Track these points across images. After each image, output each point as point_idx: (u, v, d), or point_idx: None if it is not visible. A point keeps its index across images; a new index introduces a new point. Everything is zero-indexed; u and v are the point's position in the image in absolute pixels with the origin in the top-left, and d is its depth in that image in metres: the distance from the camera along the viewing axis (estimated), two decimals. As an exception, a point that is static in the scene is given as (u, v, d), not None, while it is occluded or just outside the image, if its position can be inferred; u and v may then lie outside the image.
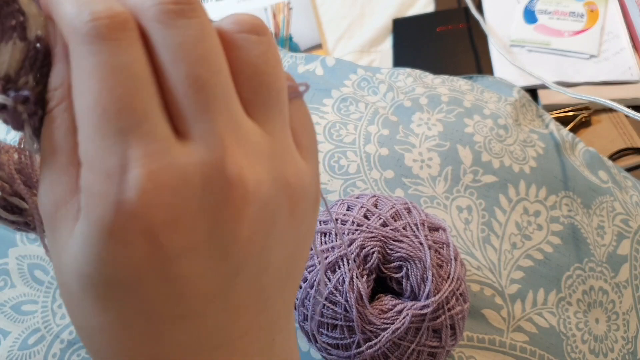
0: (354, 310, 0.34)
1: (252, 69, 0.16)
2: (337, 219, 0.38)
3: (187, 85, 0.14)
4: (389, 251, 0.36)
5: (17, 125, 0.16)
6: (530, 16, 0.65)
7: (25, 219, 0.20)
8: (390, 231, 0.36)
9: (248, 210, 0.15)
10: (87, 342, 0.17)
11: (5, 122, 0.16)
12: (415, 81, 0.56)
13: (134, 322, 0.15)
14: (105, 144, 0.13)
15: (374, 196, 0.39)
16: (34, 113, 0.16)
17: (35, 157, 0.20)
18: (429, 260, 0.35)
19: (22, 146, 0.20)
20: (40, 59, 0.16)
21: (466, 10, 0.67)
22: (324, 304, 0.35)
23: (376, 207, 0.38)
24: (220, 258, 0.15)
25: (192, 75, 0.14)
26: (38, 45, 0.16)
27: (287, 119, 0.17)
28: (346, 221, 0.37)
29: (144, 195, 0.13)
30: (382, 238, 0.36)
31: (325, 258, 0.36)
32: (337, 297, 0.34)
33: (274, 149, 0.16)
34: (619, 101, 0.48)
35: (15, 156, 0.20)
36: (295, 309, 0.37)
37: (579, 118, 0.57)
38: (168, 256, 0.14)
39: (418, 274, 0.35)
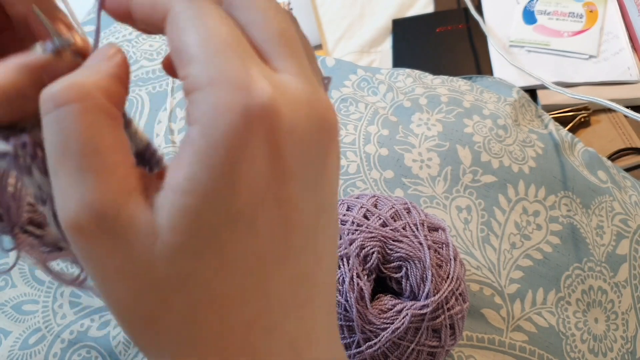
0: (354, 310, 0.34)
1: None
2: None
3: (279, 36, 0.17)
4: (388, 251, 0.36)
5: (24, 171, 0.16)
6: (529, 17, 0.65)
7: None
8: (390, 231, 0.36)
9: (336, 140, 0.16)
10: (174, 312, 0.15)
11: (15, 169, 0.16)
12: (415, 81, 0.56)
13: (240, 266, 0.15)
14: (231, 64, 0.15)
15: (374, 196, 0.39)
16: (34, 155, 0.16)
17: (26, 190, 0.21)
18: (428, 260, 0.35)
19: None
20: None
21: (466, 10, 0.67)
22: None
23: (376, 207, 0.38)
24: (316, 187, 0.16)
25: (281, 30, 0.17)
26: None
27: None
28: (346, 221, 0.37)
29: (272, 100, 0.15)
30: (382, 238, 0.36)
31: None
32: (337, 297, 0.35)
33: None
34: (618, 101, 0.49)
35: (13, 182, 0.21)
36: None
37: (578, 118, 0.57)
38: (285, 173, 0.15)
39: (417, 273, 0.35)
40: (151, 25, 0.17)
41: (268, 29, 0.16)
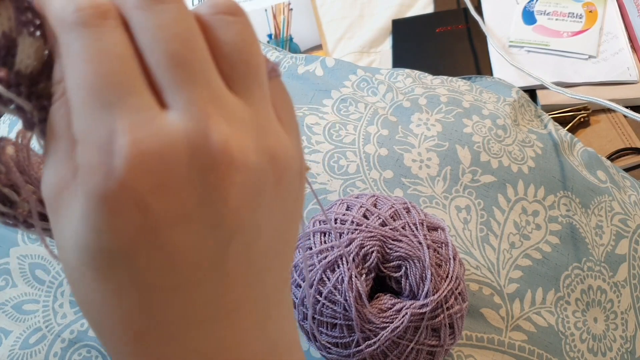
0: (353, 309, 0.34)
1: (229, 46, 0.16)
2: (336, 219, 0.38)
3: (167, 60, 0.15)
4: (388, 250, 0.36)
5: (29, 126, 0.17)
6: (529, 17, 0.65)
7: (14, 212, 0.21)
8: (390, 231, 0.37)
9: (235, 178, 0.15)
10: (89, 316, 0.17)
11: (18, 116, 0.16)
12: (415, 82, 0.56)
13: (129, 293, 0.16)
14: (94, 117, 0.14)
15: (373, 196, 0.39)
16: (44, 119, 0.16)
17: (31, 153, 0.21)
18: (427, 260, 0.35)
19: (19, 141, 0.20)
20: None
21: (465, 11, 0.67)
22: (324, 303, 0.35)
23: (375, 207, 0.38)
24: (212, 226, 0.16)
25: (170, 52, 0.15)
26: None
27: (267, 93, 0.18)
28: (345, 221, 0.37)
29: (130, 162, 0.14)
30: (382, 237, 0.36)
31: (325, 257, 0.36)
32: (336, 296, 0.35)
33: (256, 120, 0.17)
34: (618, 101, 0.49)
35: (11, 150, 0.20)
36: (294, 307, 0.37)
37: (577, 118, 0.57)
38: (160, 224, 0.15)
39: (417, 273, 0.35)
40: None
41: (159, 52, 0.15)
